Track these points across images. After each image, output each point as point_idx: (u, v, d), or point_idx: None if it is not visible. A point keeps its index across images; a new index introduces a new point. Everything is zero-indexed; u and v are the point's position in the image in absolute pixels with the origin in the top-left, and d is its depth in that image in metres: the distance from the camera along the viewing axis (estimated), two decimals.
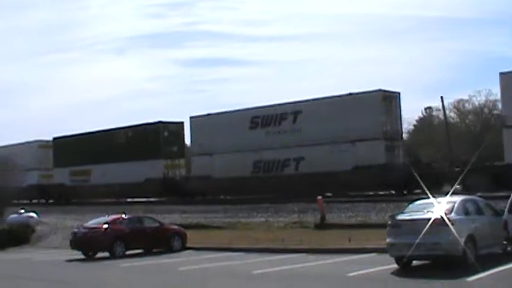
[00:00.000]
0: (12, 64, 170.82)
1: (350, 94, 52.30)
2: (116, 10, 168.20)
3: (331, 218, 36.30)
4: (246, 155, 57.21)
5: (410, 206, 21.05)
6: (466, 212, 19.80)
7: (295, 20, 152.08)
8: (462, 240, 18.47)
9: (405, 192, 46.62)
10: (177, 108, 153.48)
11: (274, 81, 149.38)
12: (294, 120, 55.25)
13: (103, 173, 69.20)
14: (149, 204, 59.98)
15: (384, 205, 39.40)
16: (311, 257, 25.22)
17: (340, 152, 51.05)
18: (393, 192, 49.54)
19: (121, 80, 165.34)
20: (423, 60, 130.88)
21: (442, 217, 18.67)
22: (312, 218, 37.04)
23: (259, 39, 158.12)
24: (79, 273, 25.39)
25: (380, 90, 51.30)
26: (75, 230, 32.45)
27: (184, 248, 31.40)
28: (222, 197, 60.46)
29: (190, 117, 63.76)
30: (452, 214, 19.07)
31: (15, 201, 52.31)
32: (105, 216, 32.86)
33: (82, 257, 30.45)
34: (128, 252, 30.06)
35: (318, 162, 52.13)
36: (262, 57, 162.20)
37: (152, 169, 63.87)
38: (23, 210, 47.92)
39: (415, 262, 19.84)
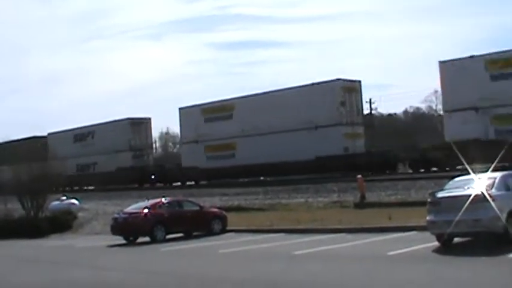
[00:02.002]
0: (53, 53, 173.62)
1: (115, 121, 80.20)
2: None
3: (370, 196, 36.13)
4: (73, 160, 78.93)
5: (451, 182, 20.76)
6: (508, 188, 19.28)
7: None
8: (503, 217, 18.09)
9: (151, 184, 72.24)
10: (214, 91, 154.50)
11: (309, 62, 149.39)
12: (92, 137, 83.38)
13: None
14: (189, 188, 60.41)
15: (423, 182, 38.98)
16: (351, 236, 25.08)
17: (111, 159, 77.82)
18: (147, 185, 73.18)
19: (158, 65, 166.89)
20: (460, 36, 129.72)
21: (482, 193, 18.35)
22: (351, 198, 36.89)
23: (292, 21, 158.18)
24: (120, 258, 25.61)
25: (128, 118, 79.27)
26: (116, 215, 32.57)
27: (224, 230, 31.39)
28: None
29: (48, 133, 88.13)
30: (493, 190, 18.72)
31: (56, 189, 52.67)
32: (144, 201, 32.98)
33: (123, 242, 30.67)
34: (168, 236, 30.18)
35: (102, 165, 79.41)
36: (296, 38, 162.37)
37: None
38: (64, 197, 48.31)
39: (456, 239, 19.62)
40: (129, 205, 35.06)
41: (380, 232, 25.04)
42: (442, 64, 52.30)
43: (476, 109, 49.97)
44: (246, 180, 62.54)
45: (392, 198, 35.50)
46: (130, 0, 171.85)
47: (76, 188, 77.84)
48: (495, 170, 22.11)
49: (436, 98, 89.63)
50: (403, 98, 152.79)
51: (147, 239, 30.18)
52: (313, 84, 59.24)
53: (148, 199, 33.33)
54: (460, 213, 18.01)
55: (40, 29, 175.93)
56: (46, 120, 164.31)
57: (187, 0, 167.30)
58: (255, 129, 62.52)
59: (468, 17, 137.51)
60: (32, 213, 42.31)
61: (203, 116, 69.15)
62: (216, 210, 33.64)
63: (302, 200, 39.78)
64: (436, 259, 17.92)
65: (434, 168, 49.78)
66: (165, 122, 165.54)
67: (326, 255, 20.97)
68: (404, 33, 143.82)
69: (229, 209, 36.37)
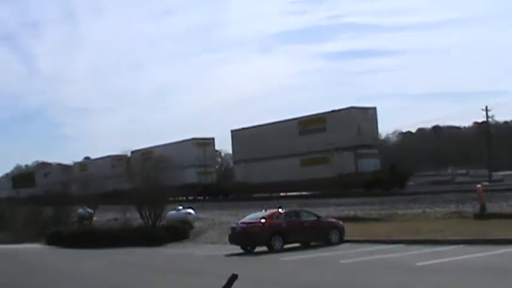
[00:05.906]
0: (165, 66, 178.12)
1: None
2: (258, 10, 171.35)
3: (491, 207, 35.18)
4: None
5: None
6: None
7: (438, 6, 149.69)
8: None
9: None
10: (325, 101, 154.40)
11: (421, 70, 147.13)
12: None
13: None
14: (304, 198, 60.08)
15: None
16: (472, 248, 24.53)
17: None
18: None
19: (269, 76, 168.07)
20: None
21: None
22: (470, 208, 36.08)
23: (404, 28, 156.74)
24: (241, 267, 25.69)
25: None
26: (234, 225, 32.96)
27: (342, 241, 31.29)
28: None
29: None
30: None
31: (172, 199, 53.64)
32: (261, 211, 33.14)
33: (241, 251, 30.97)
34: (285, 246, 30.27)
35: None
36: (408, 46, 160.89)
37: None
38: (181, 207, 49.11)
39: None
40: (244, 215, 35.36)
41: (504, 244, 24.39)
42: None
43: None
44: None
45: None
46: (240, 14, 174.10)
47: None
48: None
49: None
50: None
51: (264, 248, 30.35)
52: None
53: (265, 209, 33.43)
54: None
55: (151, 45, 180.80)
56: (157, 131, 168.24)
57: (297, 11, 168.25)
58: None
59: None
60: (150, 222, 43.33)
61: None
62: (333, 220, 33.51)
63: (419, 210, 39.17)
64: None
65: None
66: None
67: (450, 267, 20.52)
68: None
69: (345, 219, 36.14)
